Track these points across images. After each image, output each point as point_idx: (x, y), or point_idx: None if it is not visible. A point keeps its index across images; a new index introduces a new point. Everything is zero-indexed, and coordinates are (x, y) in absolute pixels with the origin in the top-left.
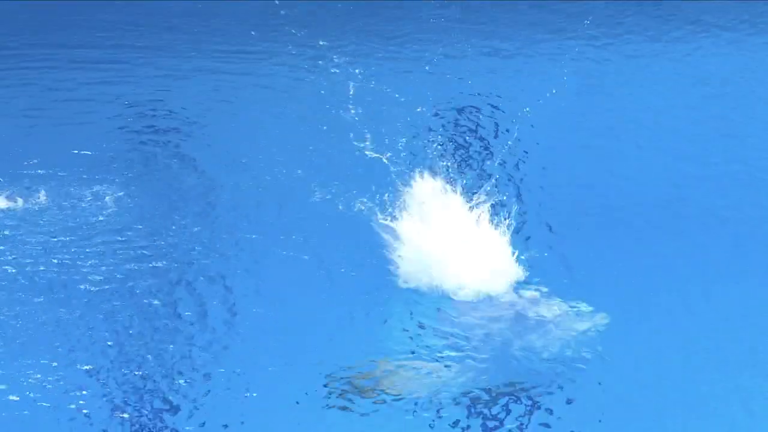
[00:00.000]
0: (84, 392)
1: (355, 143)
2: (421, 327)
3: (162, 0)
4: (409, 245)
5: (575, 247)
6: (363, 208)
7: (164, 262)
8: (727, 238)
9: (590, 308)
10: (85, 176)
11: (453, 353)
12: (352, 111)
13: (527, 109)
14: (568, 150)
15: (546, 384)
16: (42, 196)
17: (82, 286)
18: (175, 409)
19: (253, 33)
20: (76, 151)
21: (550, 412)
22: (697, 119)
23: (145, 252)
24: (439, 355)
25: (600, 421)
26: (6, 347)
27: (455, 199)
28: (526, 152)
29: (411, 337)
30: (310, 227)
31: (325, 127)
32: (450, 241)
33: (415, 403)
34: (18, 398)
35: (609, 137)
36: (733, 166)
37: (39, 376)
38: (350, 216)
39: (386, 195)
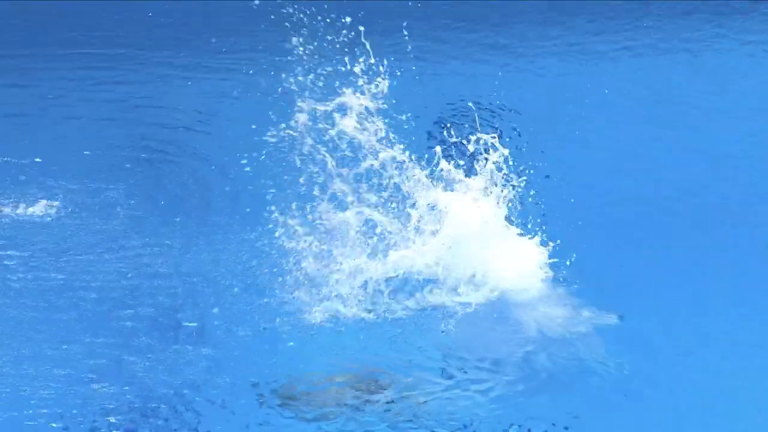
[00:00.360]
0: (96, 392)
1: (358, 146)
2: (436, 340)
3: (162, 0)
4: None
5: (582, 249)
6: (371, 210)
7: (165, 268)
8: (734, 233)
9: (600, 310)
10: (84, 179)
11: (471, 367)
12: (350, 113)
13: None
14: (570, 150)
15: (563, 389)
16: (42, 202)
17: (82, 301)
18: (184, 418)
19: (262, 27)
20: (76, 154)
21: (576, 417)
22: (702, 118)
23: (146, 258)
24: (462, 371)
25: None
26: (6, 355)
27: (461, 204)
28: (530, 155)
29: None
30: (315, 231)
31: (328, 130)
32: (462, 250)
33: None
34: (17, 408)
35: (610, 137)
36: (737, 162)
37: (43, 386)
38: (356, 221)
39: (395, 200)
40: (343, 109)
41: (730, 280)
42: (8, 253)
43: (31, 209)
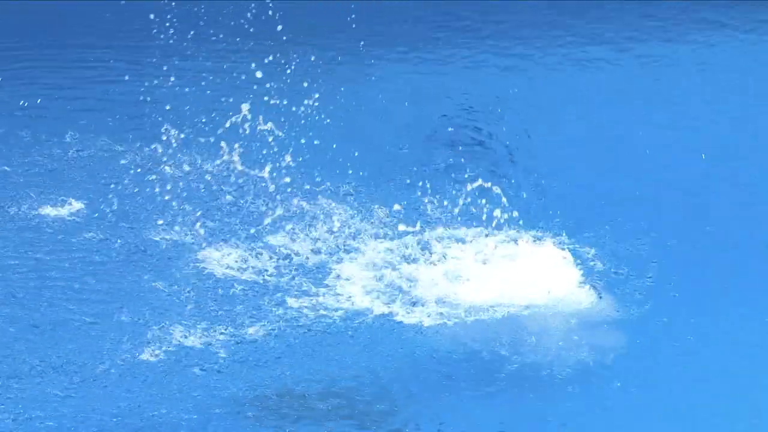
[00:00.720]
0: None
1: (366, 149)
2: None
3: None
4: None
5: (582, 249)
6: (385, 215)
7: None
8: (734, 233)
9: (600, 309)
10: (79, 179)
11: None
12: (361, 112)
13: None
14: (570, 150)
15: (560, 390)
16: (47, 200)
17: (84, 305)
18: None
19: (251, 31)
20: (73, 155)
21: (575, 417)
22: (702, 118)
23: (142, 262)
24: (467, 380)
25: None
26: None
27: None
28: (529, 155)
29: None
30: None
31: (336, 131)
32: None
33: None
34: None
35: (610, 137)
36: (737, 162)
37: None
38: (371, 224)
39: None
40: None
41: (730, 280)
42: (11, 254)
43: (36, 208)
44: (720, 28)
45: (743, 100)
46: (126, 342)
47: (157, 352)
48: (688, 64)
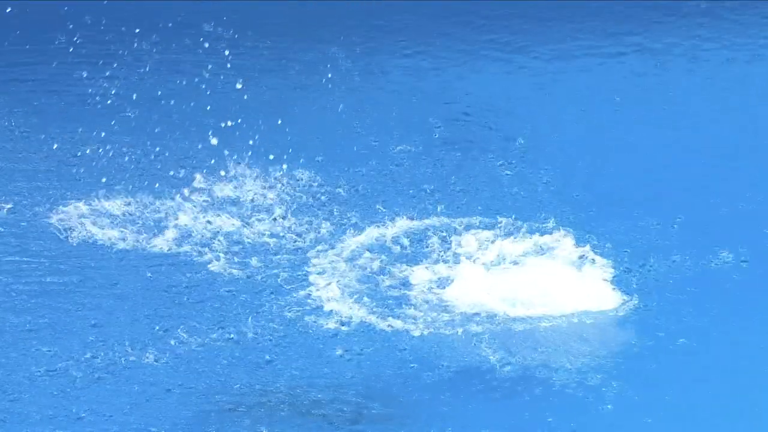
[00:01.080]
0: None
1: (369, 148)
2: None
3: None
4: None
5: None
6: (384, 209)
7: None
8: (734, 233)
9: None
10: (78, 178)
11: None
12: (363, 112)
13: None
14: (570, 150)
15: (557, 391)
16: (50, 199)
17: (84, 309)
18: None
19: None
20: (69, 152)
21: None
22: (702, 118)
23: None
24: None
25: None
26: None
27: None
28: (529, 155)
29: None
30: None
31: (338, 131)
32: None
33: None
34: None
35: (610, 138)
36: (737, 162)
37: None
38: (372, 225)
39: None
40: None
41: (730, 280)
42: (10, 255)
43: (35, 208)
44: (721, 27)
45: (743, 100)
46: (126, 343)
47: (158, 353)
48: (688, 63)
